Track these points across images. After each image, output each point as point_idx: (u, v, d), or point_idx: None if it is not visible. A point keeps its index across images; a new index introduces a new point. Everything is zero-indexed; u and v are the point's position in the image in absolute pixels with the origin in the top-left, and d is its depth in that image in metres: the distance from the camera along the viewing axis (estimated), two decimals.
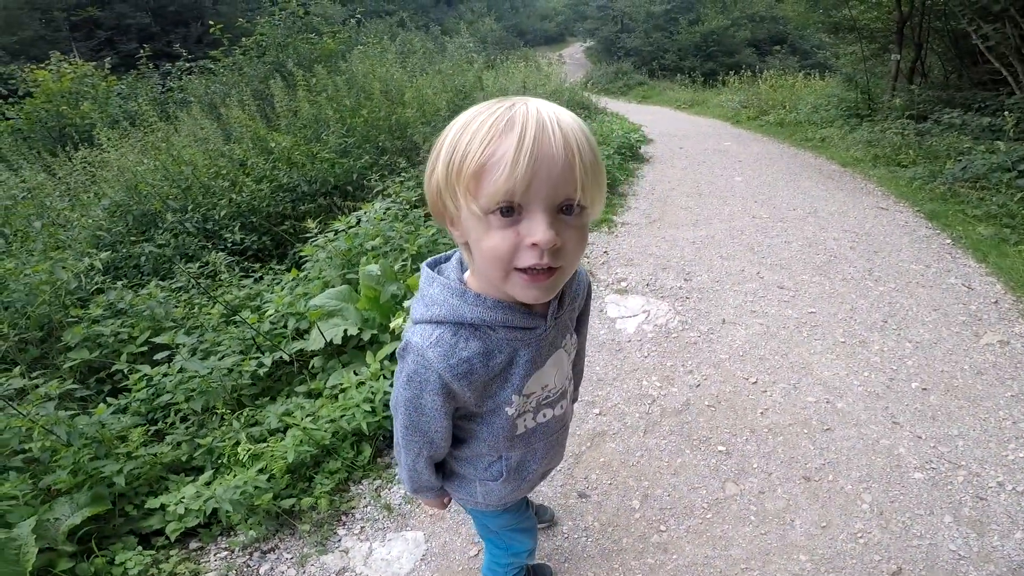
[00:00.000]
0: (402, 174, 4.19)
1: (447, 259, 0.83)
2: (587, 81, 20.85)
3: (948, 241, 4.05)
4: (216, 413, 2.34)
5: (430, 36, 15.53)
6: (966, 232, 4.08)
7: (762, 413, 2.39)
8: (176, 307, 3.08)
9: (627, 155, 6.96)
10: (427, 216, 3.74)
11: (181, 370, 2.36)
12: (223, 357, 2.63)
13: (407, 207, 3.34)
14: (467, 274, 0.78)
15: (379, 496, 2.10)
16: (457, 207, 0.64)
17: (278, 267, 3.84)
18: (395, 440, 0.90)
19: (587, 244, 0.72)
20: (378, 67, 5.54)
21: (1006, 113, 5.02)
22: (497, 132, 0.59)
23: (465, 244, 0.70)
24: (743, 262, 3.79)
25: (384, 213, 3.25)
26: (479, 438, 0.90)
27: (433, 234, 2.98)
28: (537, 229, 0.60)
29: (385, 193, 3.62)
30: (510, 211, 0.61)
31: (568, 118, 0.63)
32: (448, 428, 0.84)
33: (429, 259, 0.83)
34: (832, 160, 6.99)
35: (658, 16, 21.73)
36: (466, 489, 1.01)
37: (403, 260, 2.68)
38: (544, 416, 0.93)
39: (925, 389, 2.50)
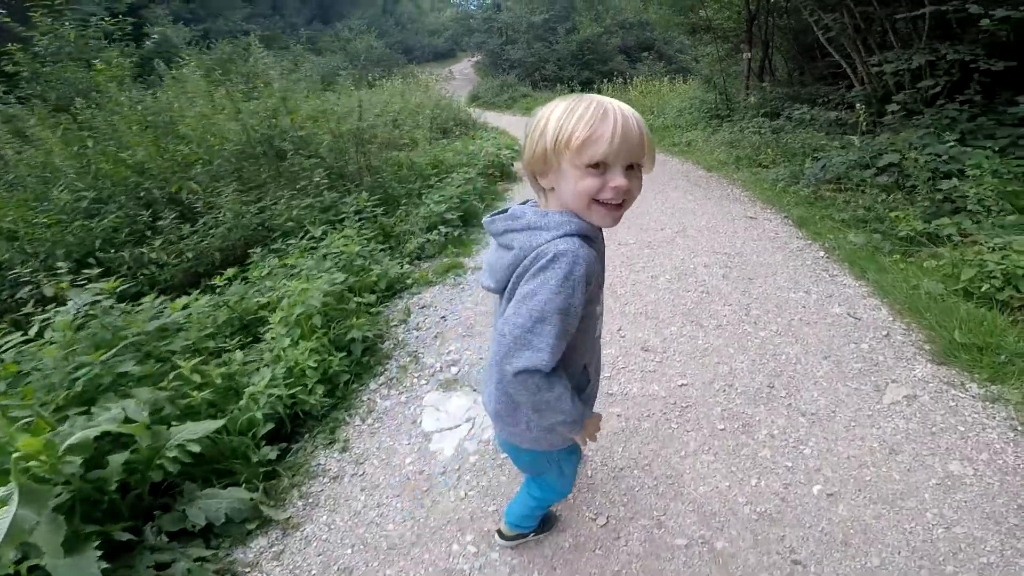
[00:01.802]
0: (154, 239, 2.96)
1: (505, 211, 1.02)
2: (473, 95, 20.14)
3: (822, 254, 3.52)
4: None
5: (290, 55, 13.94)
6: (838, 241, 3.58)
7: None
8: None
9: (495, 175, 6.11)
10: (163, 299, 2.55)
11: None
12: None
13: (109, 305, 2.15)
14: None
15: None
16: (558, 163, 0.91)
17: None
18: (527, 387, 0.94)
19: (641, 189, 0.96)
20: (149, 97, 4.26)
21: (858, 105, 4.69)
22: (597, 118, 0.88)
23: (550, 189, 0.97)
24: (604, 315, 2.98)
25: (74, 318, 2.05)
26: (575, 347, 1.01)
27: (107, 360, 1.84)
28: (618, 178, 0.90)
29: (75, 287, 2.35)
30: (598, 167, 0.89)
31: (635, 113, 0.92)
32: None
33: (487, 217, 1.03)
34: (698, 165, 6.57)
35: (538, 26, 21.41)
36: None
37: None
38: (602, 320, 1.13)
39: (830, 495, 1.76)
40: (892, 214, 3.44)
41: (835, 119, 6.10)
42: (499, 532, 1.62)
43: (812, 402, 2.17)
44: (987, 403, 2.11)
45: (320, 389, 2.24)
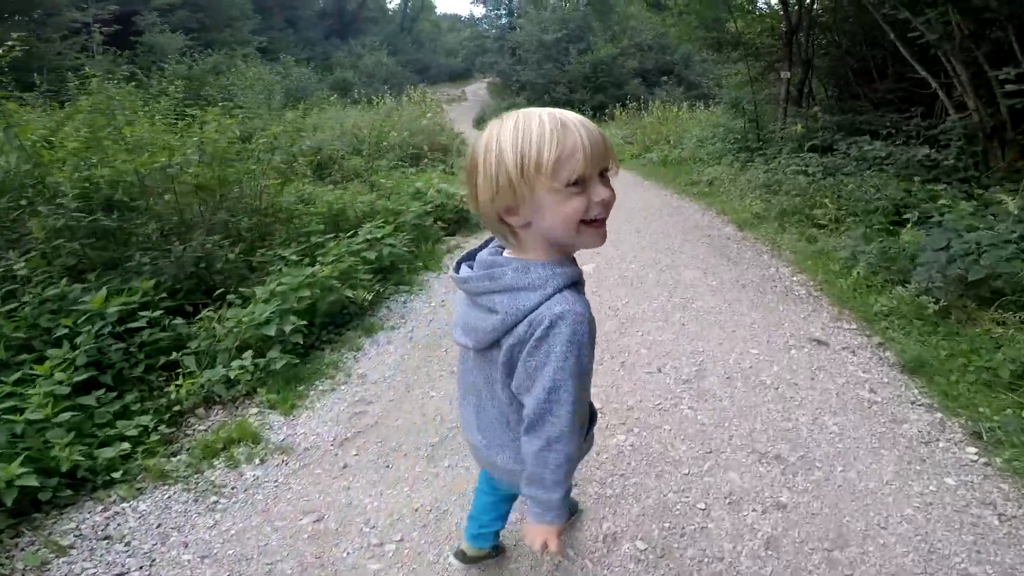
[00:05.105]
0: None
1: (468, 259, 0.92)
2: (479, 117, 18.58)
3: (973, 453, 1.63)
4: None
5: (278, 69, 12.64)
6: (1004, 427, 1.67)
7: None
8: None
9: (444, 226, 4.35)
10: None
11: None
12: None
13: None
14: (506, 253, 0.88)
15: None
16: (531, 191, 0.75)
17: None
18: (552, 440, 0.84)
19: None
20: None
21: None
22: (557, 132, 0.74)
23: (523, 226, 0.80)
24: None
25: None
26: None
27: None
28: (602, 190, 0.78)
29: None
30: (578, 183, 0.75)
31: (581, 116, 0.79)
32: None
33: (455, 271, 0.90)
34: (725, 216, 4.69)
35: (549, 46, 19.90)
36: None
37: None
38: None
39: None
40: None
41: (925, 158, 4.17)
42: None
43: None
44: None
45: None
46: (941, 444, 1.77)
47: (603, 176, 0.79)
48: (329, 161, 5.04)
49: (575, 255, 0.87)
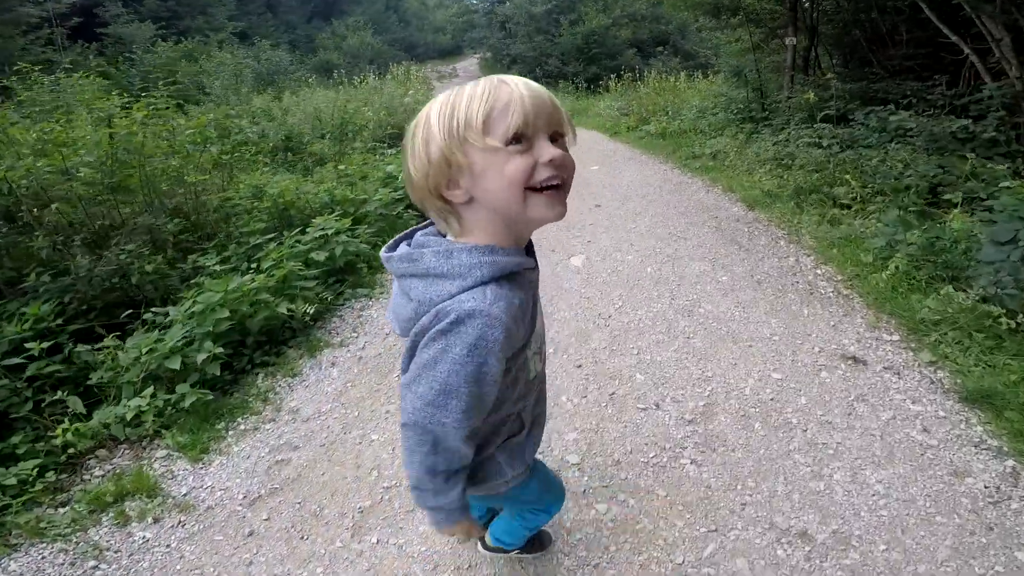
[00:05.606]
0: None
1: (407, 238, 0.78)
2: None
3: None
4: None
5: (252, 53, 11.93)
6: None
7: None
8: None
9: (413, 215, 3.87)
10: None
11: None
12: None
13: None
14: (449, 238, 0.75)
15: None
16: (467, 159, 0.66)
17: None
18: (421, 463, 0.74)
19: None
20: None
21: None
22: (492, 89, 0.64)
23: (466, 203, 0.69)
24: None
25: None
26: (503, 397, 0.80)
27: None
28: (548, 149, 0.66)
29: None
30: (521, 139, 0.65)
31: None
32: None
33: (385, 250, 0.76)
34: (732, 193, 4.22)
35: (539, 18, 19.13)
36: (492, 473, 0.89)
37: None
38: (543, 356, 0.90)
39: None
40: None
41: (960, 131, 3.70)
42: (481, 540, 1.29)
43: None
44: None
45: None
46: (1014, 505, 1.37)
47: (556, 140, 0.68)
48: (299, 146, 4.54)
49: (532, 240, 0.76)
